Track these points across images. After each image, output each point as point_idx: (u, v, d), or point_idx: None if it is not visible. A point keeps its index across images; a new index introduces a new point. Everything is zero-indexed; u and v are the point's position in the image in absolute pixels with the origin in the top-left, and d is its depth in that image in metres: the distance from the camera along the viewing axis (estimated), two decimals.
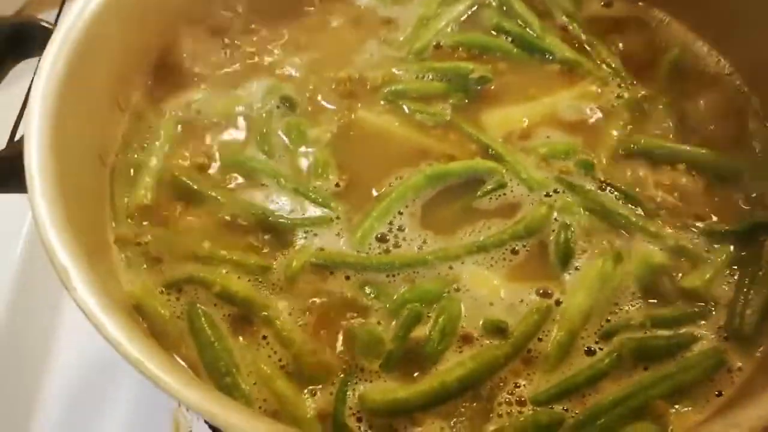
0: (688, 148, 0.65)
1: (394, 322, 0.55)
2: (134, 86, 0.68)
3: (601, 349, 0.54)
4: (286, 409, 0.51)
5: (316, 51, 0.74)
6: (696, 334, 0.55)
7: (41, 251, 0.47)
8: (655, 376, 0.52)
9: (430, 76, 0.71)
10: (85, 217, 0.56)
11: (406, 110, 0.69)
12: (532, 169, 0.63)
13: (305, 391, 0.52)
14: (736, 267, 0.58)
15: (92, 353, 0.75)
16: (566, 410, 0.51)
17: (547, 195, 0.62)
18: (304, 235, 0.60)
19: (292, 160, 0.66)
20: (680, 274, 0.57)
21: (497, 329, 0.54)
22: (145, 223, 0.61)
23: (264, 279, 0.57)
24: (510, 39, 0.74)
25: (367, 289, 0.57)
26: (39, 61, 0.58)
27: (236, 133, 0.68)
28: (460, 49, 0.74)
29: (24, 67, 0.70)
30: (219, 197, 0.62)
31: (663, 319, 0.55)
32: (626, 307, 0.56)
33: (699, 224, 0.60)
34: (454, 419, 0.51)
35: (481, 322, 0.55)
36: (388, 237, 0.60)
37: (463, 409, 0.51)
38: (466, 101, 0.70)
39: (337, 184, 0.64)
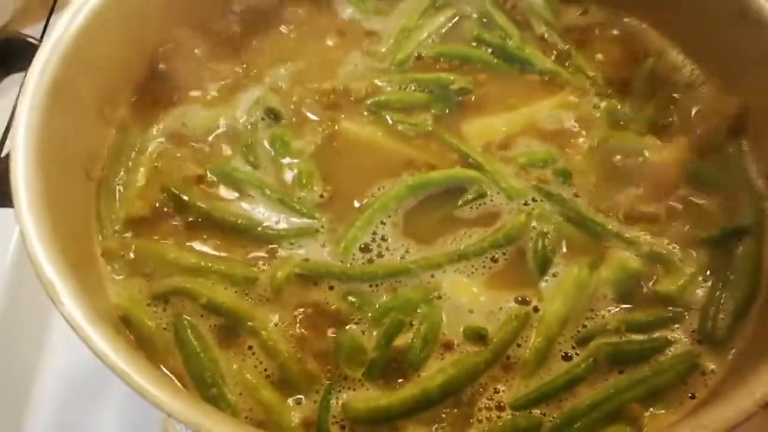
0: (662, 152, 0.66)
1: (376, 331, 0.56)
2: (120, 100, 0.69)
3: (577, 354, 0.55)
4: (272, 418, 0.52)
5: (301, 63, 0.75)
6: (670, 338, 0.56)
7: (29, 264, 0.48)
8: (630, 380, 0.53)
9: (413, 87, 0.73)
10: (71, 230, 0.56)
11: (389, 121, 0.70)
12: (511, 179, 0.65)
13: (290, 400, 0.53)
14: (709, 272, 0.60)
15: (81, 364, 0.75)
16: (544, 414, 0.52)
17: (526, 204, 0.64)
18: (289, 246, 0.61)
19: (277, 171, 0.67)
20: (655, 279, 0.59)
21: (477, 336, 0.55)
22: (131, 235, 0.62)
23: (250, 290, 0.58)
24: (490, 50, 0.75)
25: (351, 299, 0.58)
26: (25, 76, 0.59)
27: (222, 145, 0.69)
28: (442, 60, 0.75)
29: (10, 82, 0.71)
30: (205, 208, 0.63)
31: (638, 323, 0.56)
32: (602, 313, 0.57)
33: (673, 231, 0.61)
34: (436, 425, 0.52)
35: (461, 330, 0.56)
36: (371, 247, 0.61)
37: (444, 415, 0.52)
38: (447, 111, 0.71)
39: (321, 195, 0.65)
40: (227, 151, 0.68)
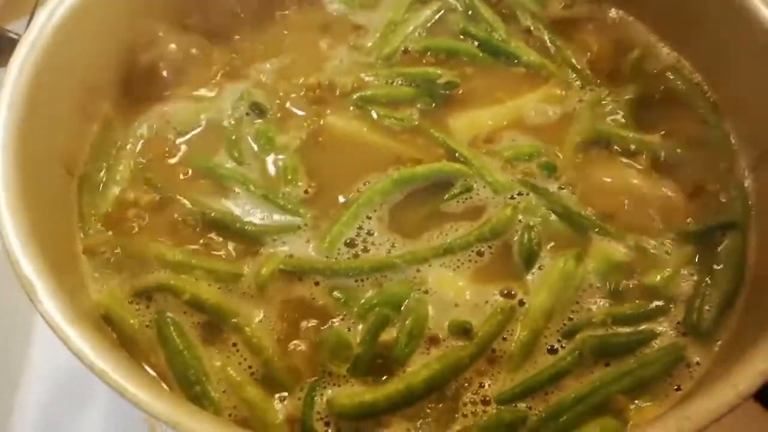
0: (649, 141, 0.66)
1: (362, 326, 0.55)
2: (103, 96, 0.68)
3: (563, 347, 0.55)
4: (256, 415, 0.52)
5: (286, 57, 0.74)
6: (656, 331, 0.56)
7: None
8: (615, 373, 0.53)
9: (399, 82, 0.72)
10: (52, 228, 0.56)
11: (375, 116, 0.70)
12: (497, 173, 0.65)
13: (274, 396, 0.53)
14: (694, 265, 0.60)
15: (68, 363, 0.74)
16: (530, 408, 0.52)
17: (512, 197, 0.63)
18: (274, 242, 0.61)
19: (261, 167, 0.66)
20: (640, 271, 0.59)
21: (462, 330, 0.55)
22: (113, 231, 0.61)
23: (234, 286, 0.58)
24: (476, 43, 0.75)
25: (336, 294, 0.57)
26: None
27: (206, 140, 0.68)
28: (428, 53, 0.75)
29: None
30: (189, 204, 0.62)
31: (623, 316, 0.56)
32: (588, 305, 0.57)
33: (659, 224, 0.61)
34: (420, 420, 0.52)
35: (446, 324, 0.56)
36: (356, 242, 0.61)
37: (429, 410, 0.52)
38: (434, 106, 0.71)
39: (306, 191, 0.64)
40: (211, 146, 0.68)
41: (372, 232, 0.62)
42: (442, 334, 0.55)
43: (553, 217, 0.61)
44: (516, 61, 0.74)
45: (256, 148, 0.67)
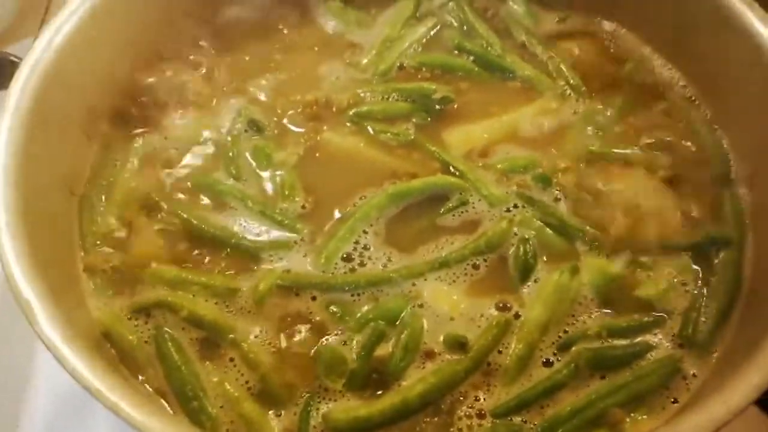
0: (644, 155, 0.67)
1: (357, 341, 0.56)
2: (103, 116, 0.69)
3: (558, 360, 0.55)
4: (253, 430, 0.52)
5: (283, 74, 0.75)
6: (651, 343, 0.56)
7: None
8: (611, 386, 0.53)
9: (395, 97, 0.73)
10: (53, 248, 0.57)
11: (371, 131, 0.70)
12: (492, 186, 0.65)
13: (271, 412, 0.53)
14: (690, 278, 0.60)
15: (70, 382, 0.75)
16: (525, 422, 0.52)
17: (507, 210, 0.64)
18: (271, 257, 0.61)
19: (259, 183, 0.67)
20: (635, 283, 0.59)
21: (458, 344, 0.55)
22: (113, 249, 0.62)
23: (231, 302, 0.58)
24: (471, 58, 0.76)
25: (333, 309, 0.58)
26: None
27: (204, 157, 0.69)
28: (424, 69, 0.75)
29: None
30: (187, 220, 0.63)
31: (619, 328, 0.56)
32: (583, 318, 0.57)
33: (654, 237, 0.61)
34: None
35: (442, 338, 0.56)
36: (353, 256, 0.61)
37: (424, 424, 0.52)
38: (429, 120, 0.71)
39: (303, 206, 0.65)
40: (210, 163, 0.68)
41: (368, 246, 0.62)
42: (437, 347, 0.56)
43: (548, 229, 0.62)
44: (511, 75, 0.74)
45: (254, 164, 0.68)
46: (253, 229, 0.63)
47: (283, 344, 0.56)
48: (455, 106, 0.72)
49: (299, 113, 0.72)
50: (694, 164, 0.67)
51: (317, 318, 0.58)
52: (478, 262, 0.61)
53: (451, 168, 0.67)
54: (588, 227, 0.62)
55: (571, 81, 0.74)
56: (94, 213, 0.64)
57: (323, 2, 0.79)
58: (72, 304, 0.54)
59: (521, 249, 0.61)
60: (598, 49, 0.77)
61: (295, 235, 0.62)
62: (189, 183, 0.67)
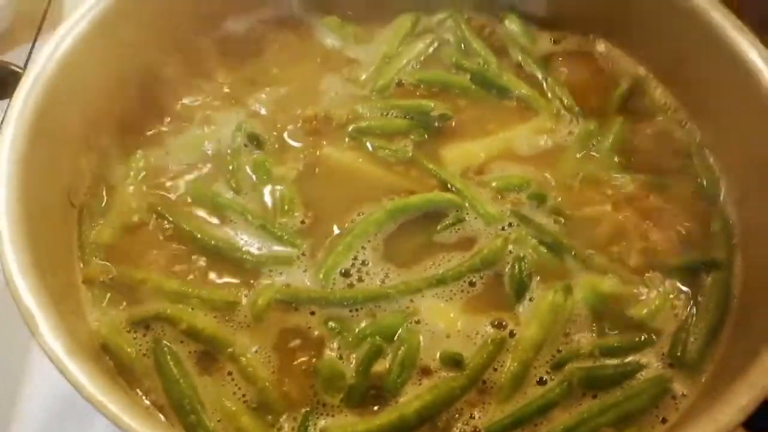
0: (635, 178, 0.68)
1: (355, 357, 0.56)
2: (104, 127, 0.69)
3: (552, 378, 0.56)
4: None
5: (283, 89, 0.76)
6: (642, 363, 0.57)
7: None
8: (602, 405, 0.54)
9: (393, 114, 0.74)
10: (53, 258, 0.57)
11: (370, 147, 0.71)
12: (488, 204, 0.66)
13: (269, 426, 0.53)
14: (680, 298, 0.61)
15: (65, 389, 0.75)
16: None
17: (503, 228, 0.65)
18: (270, 272, 0.62)
19: (259, 197, 0.67)
20: (627, 303, 0.60)
21: (454, 362, 0.56)
22: (112, 261, 0.62)
23: (230, 316, 0.59)
24: (469, 76, 0.77)
25: (331, 324, 0.58)
26: (8, 104, 0.59)
27: (205, 170, 0.69)
28: (422, 86, 0.76)
29: None
30: (188, 233, 0.64)
31: (611, 348, 0.57)
32: (577, 337, 0.58)
33: (645, 257, 0.63)
34: None
35: (438, 355, 0.57)
36: (351, 272, 0.62)
37: None
38: (427, 137, 0.72)
39: (302, 221, 0.66)
40: (210, 176, 0.69)
41: (367, 262, 0.63)
42: (433, 365, 0.57)
43: (542, 248, 0.63)
44: (507, 94, 0.75)
45: (254, 178, 0.69)
46: (252, 244, 0.64)
47: (282, 359, 0.57)
48: (453, 124, 0.73)
49: (299, 128, 0.73)
50: (685, 186, 0.69)
51: (316, 333, 0.58)
52: (474, 280, 0.62)
53: (448, 185, 0.68)
54: (580, 247, 0.63)
55: (566, 101, 0.75)
56: (94, 224, 0.64)
57: (321, 18, 0.80)
58: (72, 315, 0.55)
59: (516, 267, 0.62)
60: (593, 69, 0.78)
61: (294, 249, 0.63)
62: (189, 196, 0.67)
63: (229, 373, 0.56)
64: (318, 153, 0.71)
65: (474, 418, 0.54)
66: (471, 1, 0.81)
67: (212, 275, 0.62)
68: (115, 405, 0.43)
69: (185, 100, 0.73)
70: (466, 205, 0.66)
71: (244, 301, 0.60)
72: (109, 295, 0.60)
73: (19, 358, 0.77)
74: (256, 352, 0.57)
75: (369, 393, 0.55)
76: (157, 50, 0.74)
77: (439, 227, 0.65)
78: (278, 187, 0.68)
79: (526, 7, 0.81)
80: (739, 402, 0.46)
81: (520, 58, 0.79)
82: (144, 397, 0.55)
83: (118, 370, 0.55)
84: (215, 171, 0.69)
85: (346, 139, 0.72)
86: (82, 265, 0.62)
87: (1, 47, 0.98)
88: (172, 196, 0.67)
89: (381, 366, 0.56)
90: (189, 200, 0.67)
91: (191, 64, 0.76)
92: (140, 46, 0.72)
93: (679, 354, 0.57)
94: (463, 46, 0.80)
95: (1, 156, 0.56)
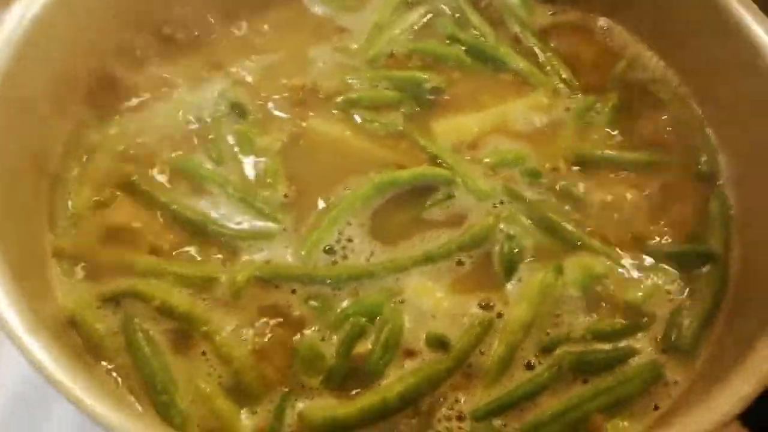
0: (633, 156, 0.66)
1: (336, 337, 0.54)
2: (79, 94, 0.66)
3: (540, 363, 0.54)
4: (224, 426, 0.50)
5: (269, 57, 0.73)
6: (635, 347, 0.55)
7: None
8: (593, 390, 0.53)
9: (384, 85, 0.71)
10: (19, 230, 0.54)
11: (358, 119, 0.68)
12: (480, 180, 0.63)
13: (244, 408, 0.51)
14: (675, 282, 0.59)
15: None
16: (504, 425, 0.51)
17: (494, 206, 0.62)
18: (251, 247, 0.59)
19: (240, 169, 0.65)
20: (620, 286, 0.58)
21: (439, 343, 0.54)
22: (84, 233, 0.59)
23: (207, 293, 0.56)
24: (464, 48, 0.74)
25: (312, 303, 0.56)
26: None
27: (184, 140, 0.66)
28: (414, 57, 0.73)
29: None
30: (165, 205, 0.61)
31: (603, 332, 0.55)
32: (567, 320, 0.56)
33: (640, 240, 0.60)
34: None
35: (423, 336, 0.55)
36: (336, 248, 0.60)
37: (402, 426, 0.51)
38: (418, 110, 0.69)
39: (285, 195, 0.63)
40: (190, 146, 0.66)
41: (352, 238, 0.60)
42: (418, 346, 0.54)
43: (533, 226, 0.61)
44: (503, 67, 0.73)
45: (236, 149, 0.66)
46: (232, 217, 0.61)
47: (260, 338, 0.54)
48: (446, 97, 0.71)
49: (284, 98, 0.70)
50: (684, 165, 0.67)
51: (296, 312, 0.56)
52: (462, 258, 0.59)
53: (438, 160, 0.65)
54: (573, 226, 0.61)
55: (564, 76, 0.72)
56: (66, 194, 0.61)
57: None
58: (37, 289, 0.52)
59: (506, 246, 0.59)
60: (592, 44, 0.75)
61: (276, 224, 0.61)
62: (167, 166, 0.64)
63: (203, 353, 0.54)
64: (304, 124, 0.68)
65: (459, 402, 0.52)
66: None
67: (189, 249, 0.59)
68: (77, 385, 0.40)
69: (164, 65, 0.70)
70: (457, 180, 0.63)
71: (222, 277, 0.57)
72: (79, 268, 0.57)
73: None
74: (232, 331, 0.54)
75: (350, 374, 0.53)
76: (138, 10, 0.70)
77: (428, 203, 0.63)
78: (261, 159, 0.65)
79: None
80: (737, 391, 0.44)
81: (517, 30, 0.76)
82: (114, 375, 0.52)
83: (86, 347, 0.53)
84: (196, 140, 0.66)
85: (334, 111, 0.69)
86: (52, 237, 0.59)
87: None
88: (149, 166, 0.64)
89: (363, 347, 0.54)
90: (167, 170, 0.64)
91: (172, 27, 0.72)
92: (119, 7, 0.68)
93: (673, 338, 0.55)
94: (458, 16, 0.77)
95: None
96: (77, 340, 0.53)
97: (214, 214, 0.61)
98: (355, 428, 0.50)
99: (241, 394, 0.52)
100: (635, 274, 0.59)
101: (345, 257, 0.59)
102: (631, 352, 0.55)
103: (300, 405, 0.51)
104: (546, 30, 0.76)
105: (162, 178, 0.64)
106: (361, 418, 0.50)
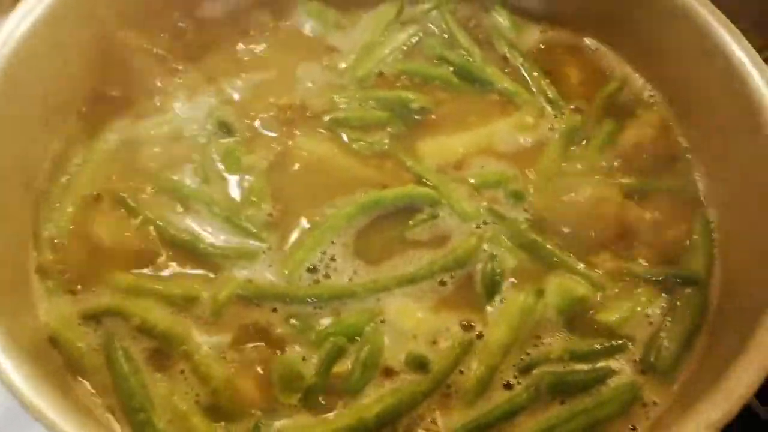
0: (616, 180, 0.66)
1: (316, 356, 0.54)
2: (67, 110, 0.67)
3: (519, 383, 0.54)
4: None
5: (258, 76, 0.73)
6: (614, 369, 0.55)
7: None
8: (571, 411, 0.53)
9: (372, 105, 0.71)
10: (2, 245, 0.55)
11: (345, 139, 0.69)
12: (464, 200, 0.64)
13: (221, 427, 0.51)
14: (655, 304, 0.59)
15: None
16: None
17: (478, 226, 0.63)
18: (234, 266, 0.60)
19: (226, 188, 0.65)
20: (600, 308, 0.58)
21: (419, 363, 0.54)
22: (68, 251, 0.60)
23: (188, 311, 0.57)
24: (452, 68, 0.74)
25: (293, 322, 0.56)
26: None
27: (171, 158, 0.67)
28: (403, 77, 0.74)
29: None
30: (150, 223, 0.61)
31: (581, 353, 0.55)
32: (547, 340, 0.56)
33: (623, 264, 0.61)
34: None
35: (403, 356, 0.55)
36: (318, 267, 0.60)
37: None
38: (405, 129, 0.70)
39: (270, 214, 0.63)
40: (176, 162, 0.66)
41: (335, 257, 0.61)
42: (397, 366, 0.54)
43: (516, 247, 0.61)
44: (490, 87, 0.73)
45: (222, 167, 0.66)
46: (217, 235, 0.61)
47: (239, 357, 0.54)
48: (432, 117, 0.71)
49: (272, 117, 0.70)
50: (667, 189, 0.67)
51: (277, 331, 0.56)
52: (445, 279, 0.59)
53: (423, 180, 0.65)
54: (556, 249, 0.61)
55: (550, 95, 0.73)
56: (52, 211, 0.62)
57: (301, 2, 0.77)
58: (19, 305, 0.52)
59: (489, 266, 0.60)
60: (579, 65, 0.76)
61: (260, 243, 0.61)
62: (153, 183, 0.64)
63: (182, 372, 0.54)
64: (291, 143, 0.68)
65: (436, 422, 0.52)
66: None
67: (173, 267, 0.60)
68: (52, 410, 0.40)
69: (155, 83, 0.71)
70: (442, 201, 0.64)
71: (204, 295, 0.57)
72: (62, 286, 0.57)
73: None
74: (211, 349, 0.55)
75: (329, 394, 0.53)
76: (126, 32, 0.71)
77: (411, 222, 0.63)
78: (247, 177, 0.66)
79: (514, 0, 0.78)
80: (713, 414, 0.44)
81: (505, 50, 0.76)
82: (92, 393, 0.52)
83: (67, 365, 0.53)
84: (182, 157, 0.66)
85: (321, 130, 0.69)
86: (35, 253, 0.59)
87: None
88: (135, 183, 0.64)
89: (343, 366, 0.54)
90: (153, 188, 0.64)
91: (164, 47, 0.73)
92: (110, 25, 0.69)
93: (652, 360, 0.55)
94: (447, 37, 0.77)
95: None
96: (57, 357, 0.53)
97: (199, 232, 0.62)
98: None
99: (219, 412, 0.52)
100: (615, 296, 0.59)
101: (327, 276, 0.59)
102: (609, 373, 0.55)
103: (277, 424, 0.51)
104: (533, 50, 0.77)
105: (147, 196, 0.64)
106: None
